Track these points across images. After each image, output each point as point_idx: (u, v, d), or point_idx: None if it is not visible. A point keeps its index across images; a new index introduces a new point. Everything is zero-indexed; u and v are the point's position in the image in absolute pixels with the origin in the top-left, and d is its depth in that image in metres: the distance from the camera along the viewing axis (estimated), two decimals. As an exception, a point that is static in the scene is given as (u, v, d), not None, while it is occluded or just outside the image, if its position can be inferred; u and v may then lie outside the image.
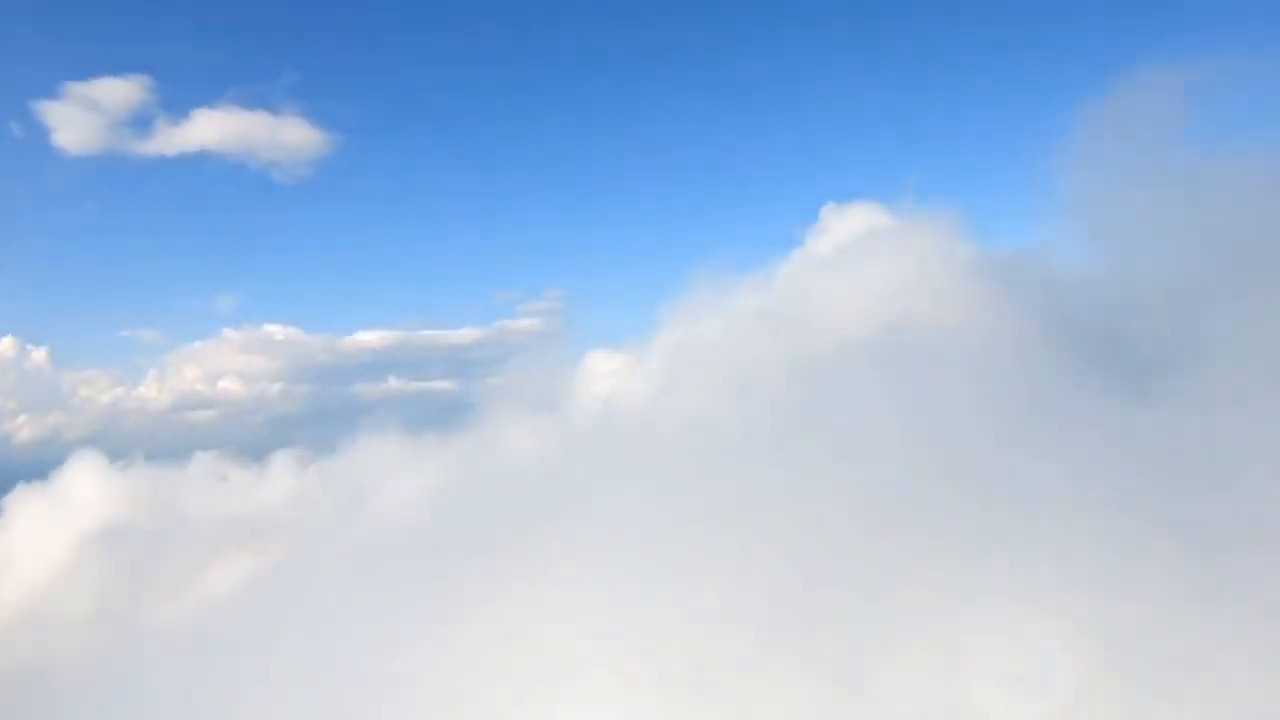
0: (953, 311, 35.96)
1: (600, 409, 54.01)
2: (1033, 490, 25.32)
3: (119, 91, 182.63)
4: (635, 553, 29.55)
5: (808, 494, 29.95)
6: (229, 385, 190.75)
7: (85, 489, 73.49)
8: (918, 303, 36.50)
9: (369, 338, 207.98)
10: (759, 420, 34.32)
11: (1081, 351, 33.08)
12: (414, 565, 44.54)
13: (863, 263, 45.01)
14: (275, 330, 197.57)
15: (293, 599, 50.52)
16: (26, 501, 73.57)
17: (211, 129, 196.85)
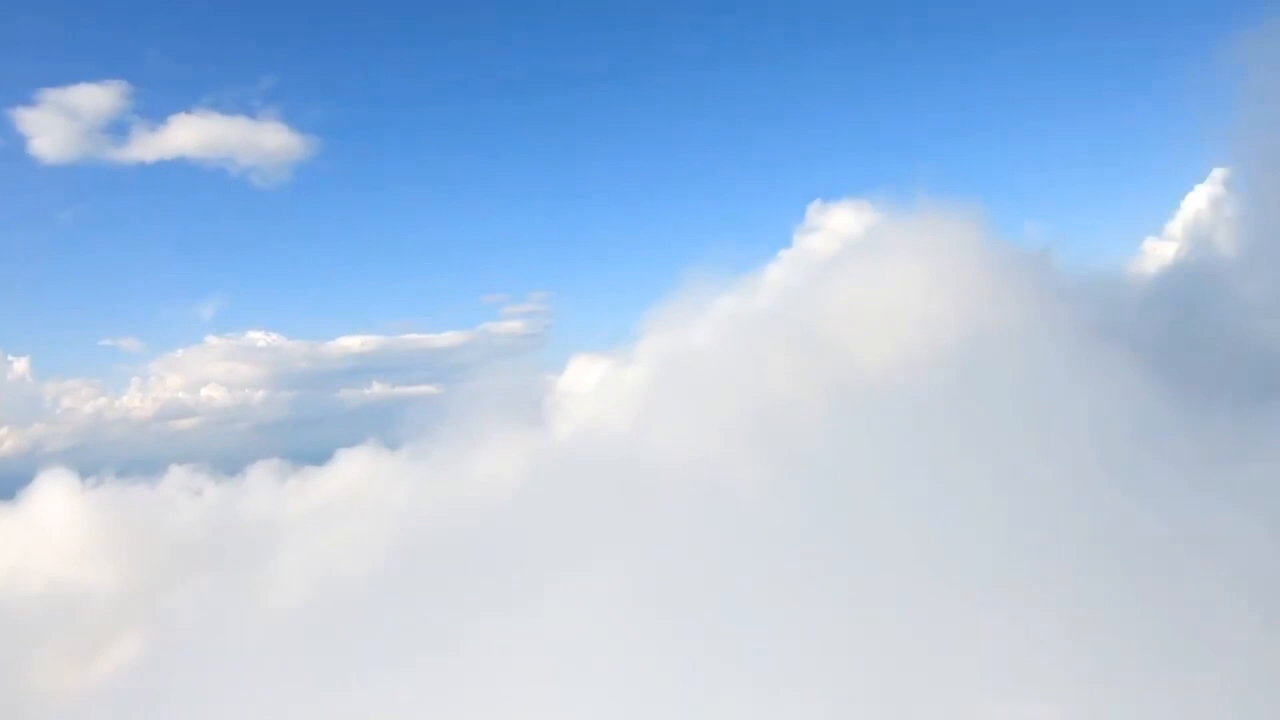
0: (964, 313, 33.45)
1: (580, 428, 51.19)
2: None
3: (96, 98, 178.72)
4: (611, 593, 27.44)
5: (790, 516, 29.07)
6: (212, 393, 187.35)
7: (53, 510, 70.42)
8: (931, 305, 33.99)
9: (352, 343, 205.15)
10: (745, 445, 32.22)
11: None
12: (380, 598, 42.23)
13: (859, 265, 42.32)
14: (258, 337, 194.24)
15: (252, 630, 48.03)
16: (-9, 524, 70.47)
17: (190, 135, 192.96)
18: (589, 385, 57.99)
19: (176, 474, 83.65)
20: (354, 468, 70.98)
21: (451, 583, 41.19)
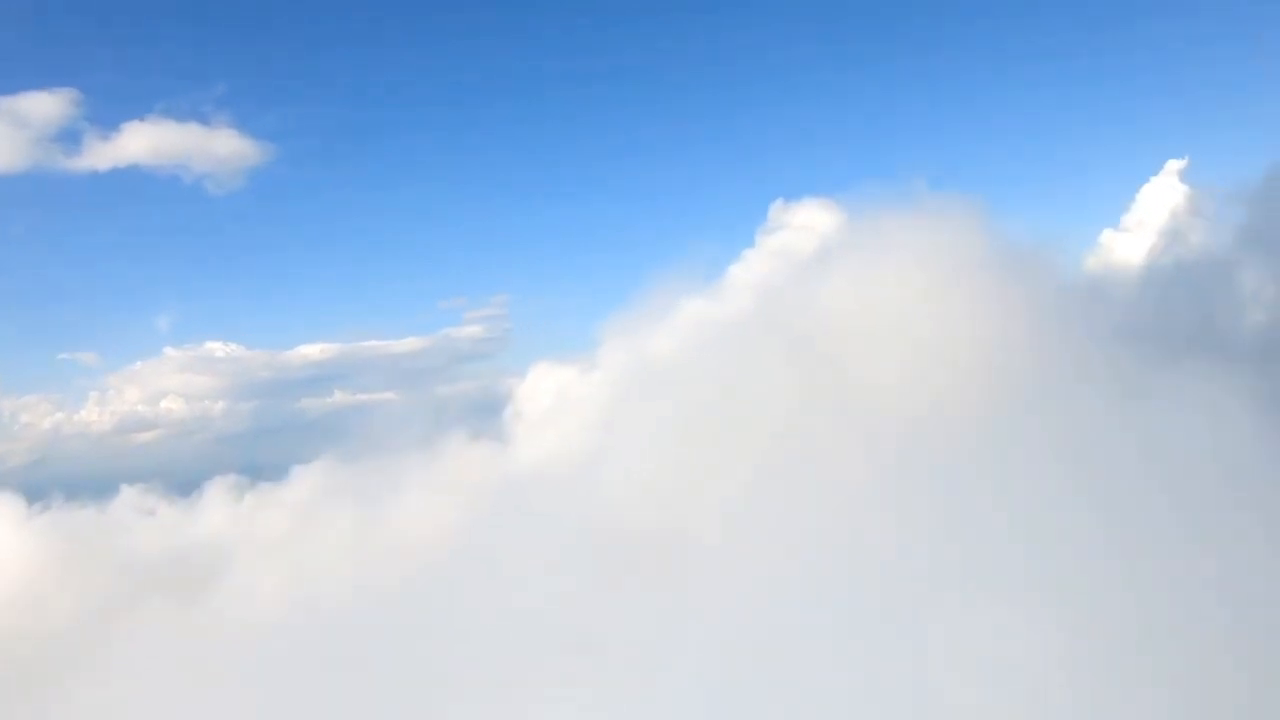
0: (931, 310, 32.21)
1: (539, 442, 49.56)
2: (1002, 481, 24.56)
3: (46, 106, 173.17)
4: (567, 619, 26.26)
5: (765, 506, 28.78)
6: (171, 405, 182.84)
7: (-3, 537, 67.30)
8: (919, 307, 32.50)
9: (311, 351, 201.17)
10: (713, 459, 31.05)
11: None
12: (337, 624, 40.79)
13: (825, 267, 41.00)
14: (216, 347, 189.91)
15: (205, 660, 46.22)
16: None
17: (142, 143, 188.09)
18: (550, 394, 56.45)
19: (128, 495, 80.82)
20: (311, 484, 68.60)
21: (408, 606, 39.75)
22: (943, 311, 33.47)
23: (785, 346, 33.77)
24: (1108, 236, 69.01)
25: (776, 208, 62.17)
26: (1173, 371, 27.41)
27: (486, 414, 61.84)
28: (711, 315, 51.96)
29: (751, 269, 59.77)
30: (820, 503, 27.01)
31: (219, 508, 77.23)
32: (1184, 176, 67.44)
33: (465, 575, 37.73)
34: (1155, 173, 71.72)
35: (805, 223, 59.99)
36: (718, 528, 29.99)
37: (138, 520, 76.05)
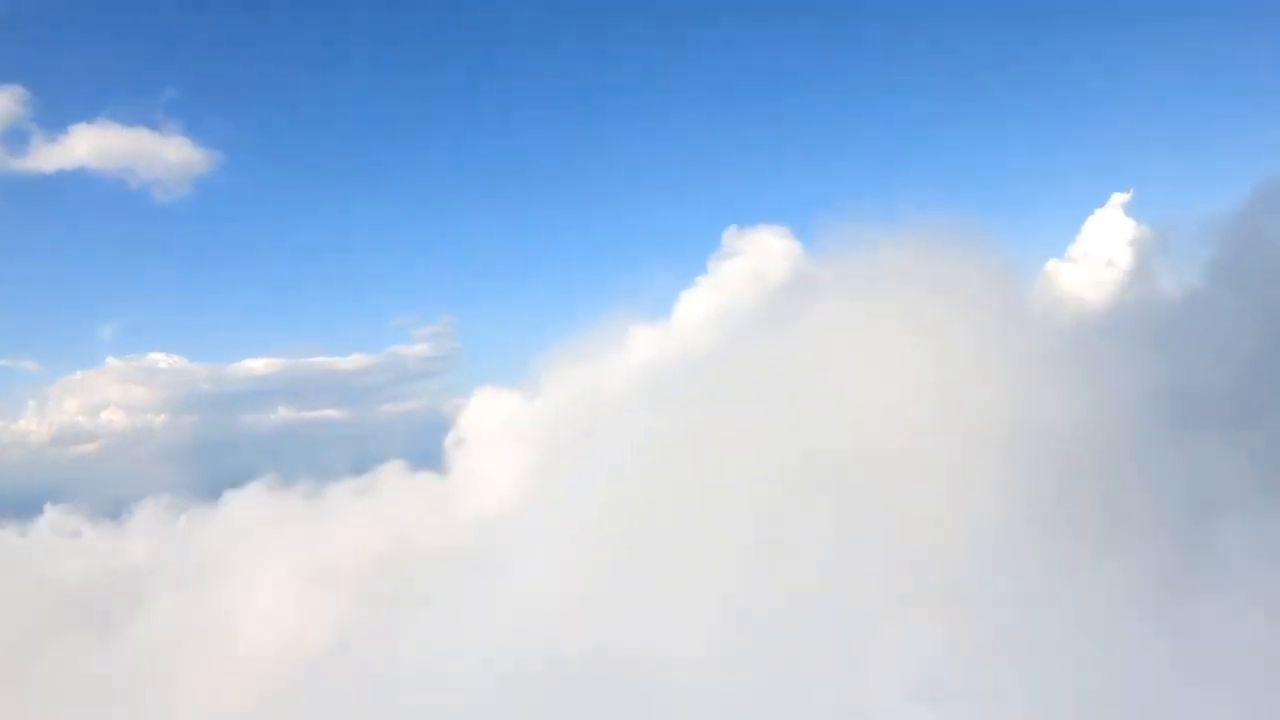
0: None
1: (476, 475, 47.69)
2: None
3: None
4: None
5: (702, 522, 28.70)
6: (112, 417, 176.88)
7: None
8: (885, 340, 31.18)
9: (256, 365, 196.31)
10: (651, 503, 29.66)
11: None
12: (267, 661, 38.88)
13: (774, 309, 39.68)
14: (159, 359, 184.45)
15: (129, 697, 43.69)
16: None
17: (90, 145, 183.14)
18: (492, 423, 54.51)
19: (52, 515, 77.12)
20: (245, 508, 65.74)
21: (333, 651, 37.95)
22: (902, 344, 32.78)
23: (734, 392, 32.48)
24: (1053, 266, 69.16)
25: (730, 234, 60.97)
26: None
27: (432, 433, 59.74)
28: (659, 350, 50.72)
29: (703, 297, 58.39)
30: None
31: (148, 531, 73.91)
32: (1129, 210, 68.46)
33: (390, 620, 36.22)
34: (1100, 205, 72.42)
35: (759, 250, 58.92)
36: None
37: (60, 543, 72.47)
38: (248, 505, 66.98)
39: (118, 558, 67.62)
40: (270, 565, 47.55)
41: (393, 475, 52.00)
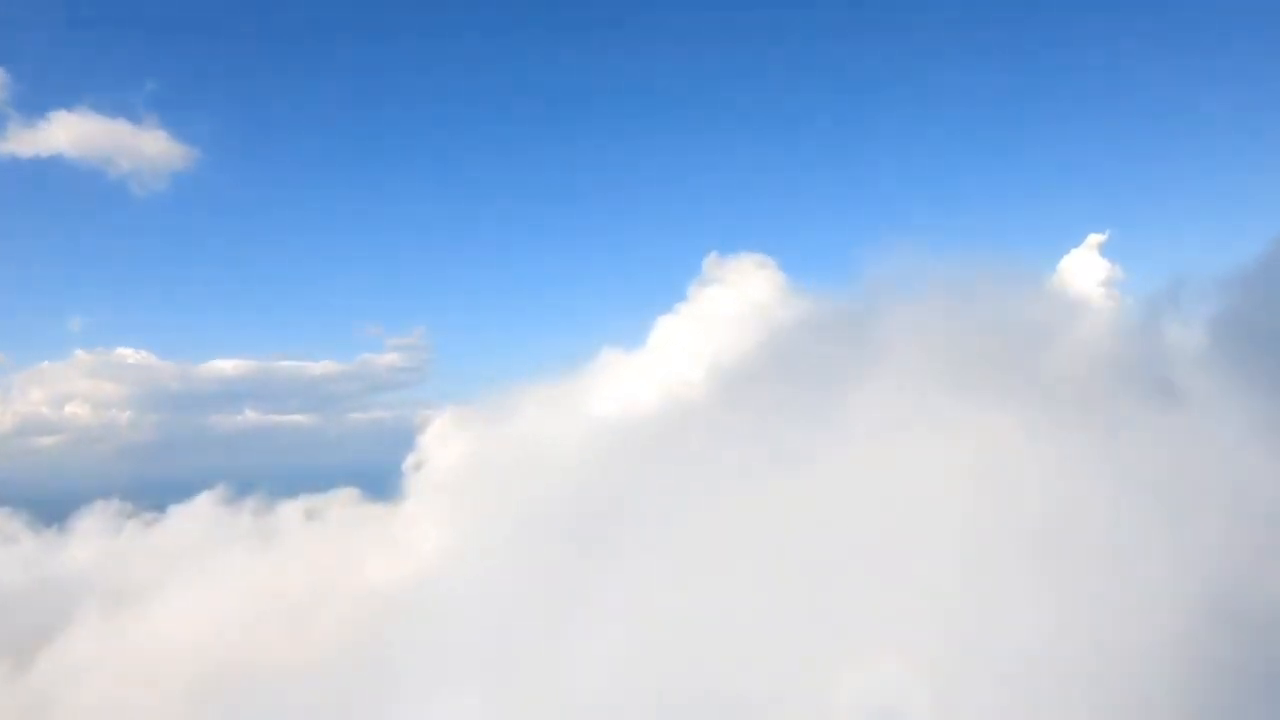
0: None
1: (435, 508, 43.99)
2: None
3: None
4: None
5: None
6: (77, 410, 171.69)
7: None
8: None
9: (225, 366, 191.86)
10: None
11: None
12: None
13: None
14: (127, 354, 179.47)
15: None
16: None
17: (69, 134, 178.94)
18: (453, 448, 50.86)
19: (-10, 520, 72.37)
20: (191, 523, 61.63)
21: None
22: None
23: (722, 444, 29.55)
24: None
25: (710, 261, 57.56)
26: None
27: (398, 445, 56.01)
28: (636, 381, 47.56)
29: (681, 324, 55.11)
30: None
31: (90, 540, 69.25)
32: (1104, 250, 67.51)
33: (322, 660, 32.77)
34: (1076, 244, 71.23)
35: (739, 278, 55.66)
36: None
37: (-1, 550, 67.61)
38: (194, 519, 62.88)
39: (52, 568, 62.86)
40: (205, 592, 43.56)
41: (344, 503, 48.29)
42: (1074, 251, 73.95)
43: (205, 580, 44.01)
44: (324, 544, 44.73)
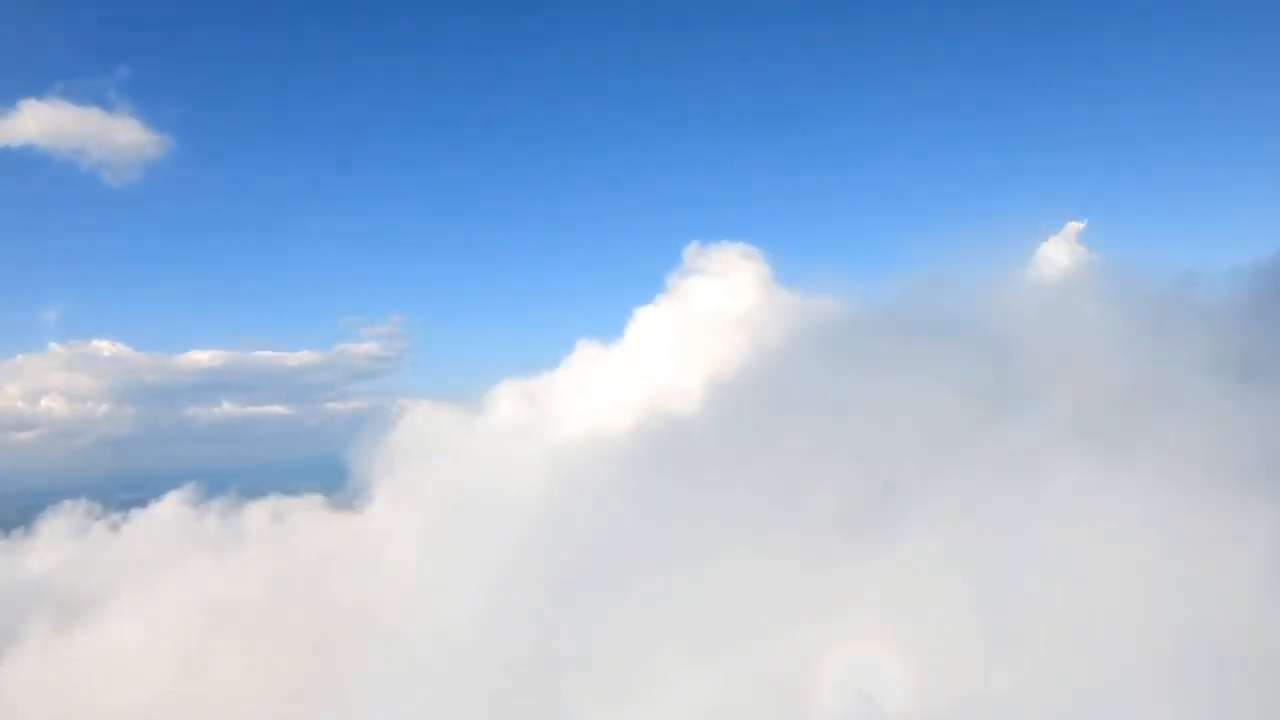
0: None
1: (401, 511, 41.36)
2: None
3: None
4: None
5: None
6: (53, 404, 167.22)
7: None
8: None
9: (201, 357, 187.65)
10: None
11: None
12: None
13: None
14: (104, 346, 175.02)
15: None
16: None
17: (41, 122, 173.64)
18: (424, 445, 48.12)
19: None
20: (157, 527, 58.65)
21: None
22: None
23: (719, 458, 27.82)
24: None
25: (692, 250, 54.55)
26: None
27: (376, 433, 53.19)
28: (613, 373, 45.08)
29: (660, 315, 52.46)
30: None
31: (54, 543, 66.09)
32: (1081, 238, 66.09)
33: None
34: (1055, 232, 69.50)
35: (722, 269, 52.88)
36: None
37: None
38: (159, 523, 59.93)
39: (9, 575, 59.63)
40: (158, 606, 40.74)
41: (312, 505, 45.54)
42: (1052, 239, 72.05)
43: (160, 593, 41.14)
44: (288, 553, 42.01)
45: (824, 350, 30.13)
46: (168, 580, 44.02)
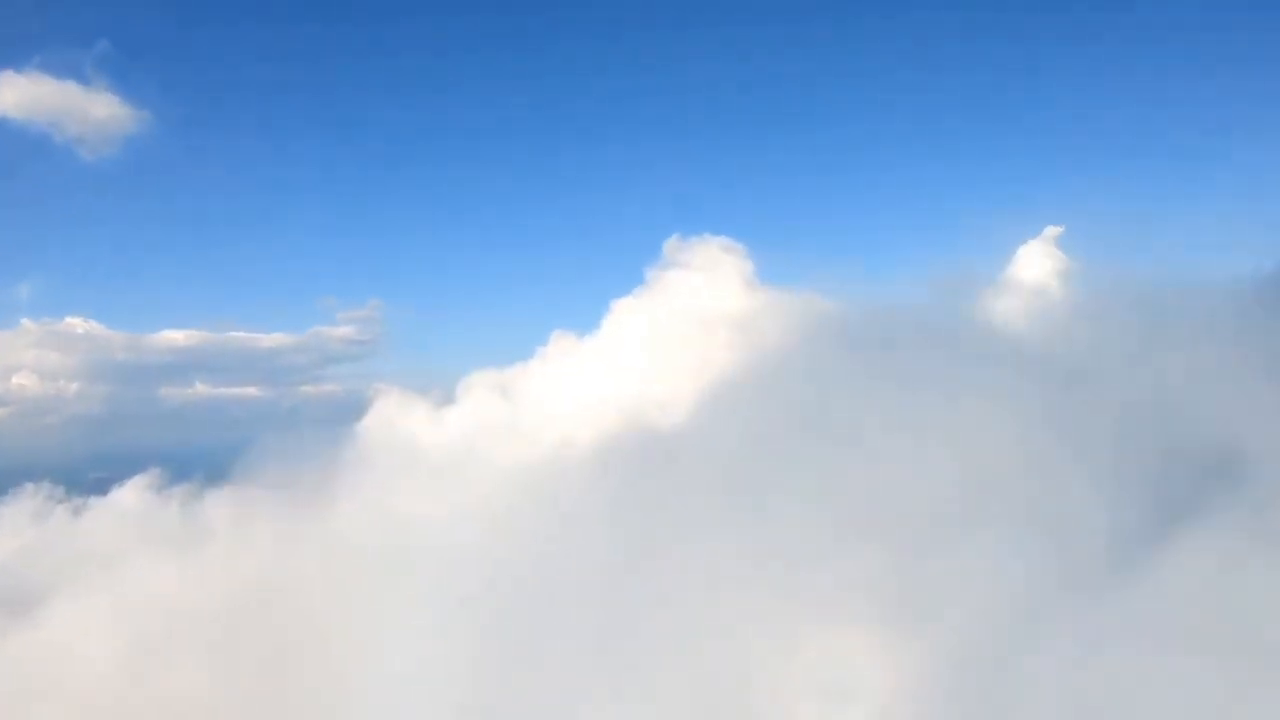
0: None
1: (369, 507, 39.55)
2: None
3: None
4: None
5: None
6: (24, 381, 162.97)
7: None
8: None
9: (175, 337, 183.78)
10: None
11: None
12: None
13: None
14: (76, 323, 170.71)
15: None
16: None
17: (15, 94, 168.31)
18: (392, 437, 46.34)
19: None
20: (116, 516, 56.44)
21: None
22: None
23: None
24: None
25: (672, 243, 52.64)
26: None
27: (349, 418, 51.24)
28: (586, 366, 43.45)
29: (637, 308, 50.69)
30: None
31: (10, 530, 63.82)
32: (1059, 243, 65.65)
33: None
34: (1035, 236, 68.88)
35: (703, 263, 51.08)
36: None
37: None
38: (120, 509, 57.76)
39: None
40: (110, 603, 38.74)
41: (274, 501, 43.59)
42: (1031, 242, 71.55)
43: (110, 590, 39.11)
44: (245, 551, 40.04)
45: (827, 354, 29.00)
46: (120, 576, 42.04)
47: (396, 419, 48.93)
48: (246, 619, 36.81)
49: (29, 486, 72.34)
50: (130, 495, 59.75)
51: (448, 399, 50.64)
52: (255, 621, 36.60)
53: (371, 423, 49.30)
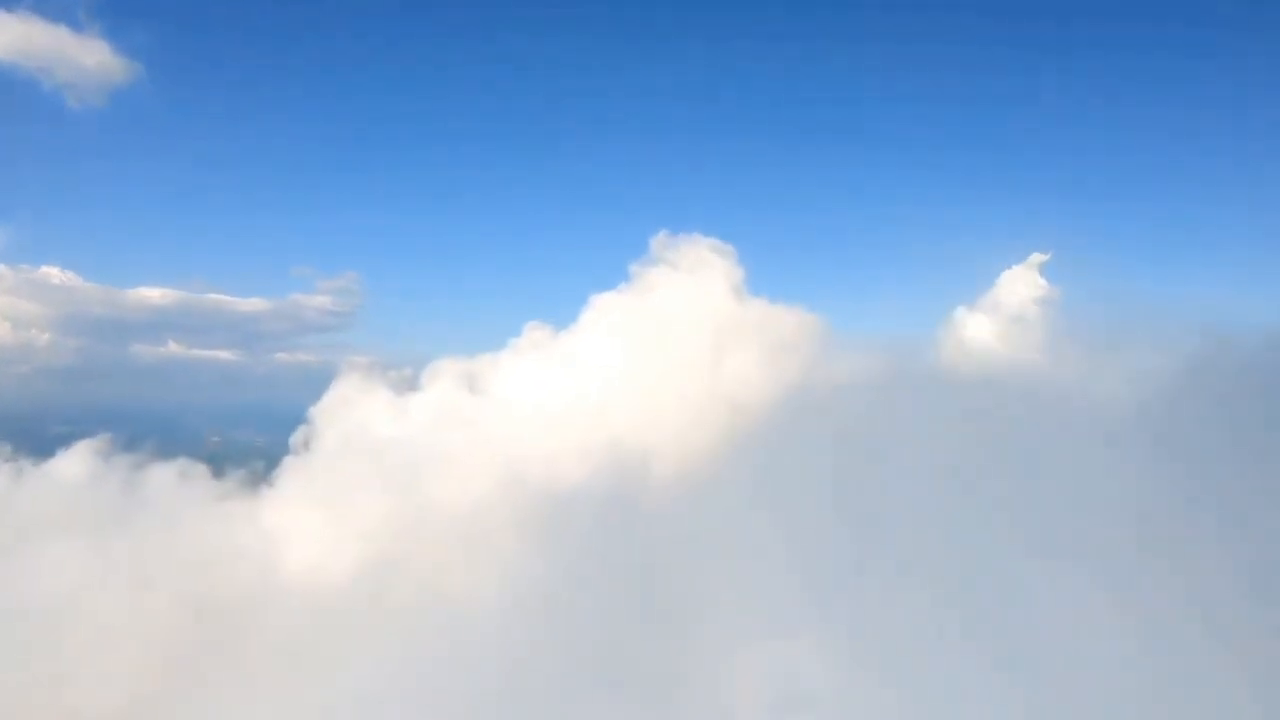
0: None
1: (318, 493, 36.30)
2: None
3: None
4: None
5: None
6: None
7: None
8: None
9: (152, 294, 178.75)
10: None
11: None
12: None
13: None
14: (52, 273, 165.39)
15: None
16: None
17: (4, 35, 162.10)
18: (350, 423, 42.99)
19: None
20: (53, 486, 52.33)
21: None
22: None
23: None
24: (961, 313, 62.52)
25: (659, 240, 49.56)
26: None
27: (319, 389, 47.96)
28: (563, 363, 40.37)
29: (618, 302, 47.63)
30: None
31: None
32: (1044, 270, 65.55)
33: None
34: (1020, 261, 68.32)
35: (691, 262, 48.00)
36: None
37: None
38: (60, 479, 53.75)
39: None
40: (27, 580, 34.95)
41: (219, 480, 40.30)
42: (1015, 268, 70.89)
43: (29, 567, 35.39)
44: (177, 532, 36.55)
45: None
46: (43, 551, 38.23)
47: (358, 403, 45.69)
48: (159, 607, 33.48)
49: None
50: (77, 460, 55.68)
51: (414, 384, 47.77)
52: (167, 611, 33.31)
53: (331, 404, 46.04)
